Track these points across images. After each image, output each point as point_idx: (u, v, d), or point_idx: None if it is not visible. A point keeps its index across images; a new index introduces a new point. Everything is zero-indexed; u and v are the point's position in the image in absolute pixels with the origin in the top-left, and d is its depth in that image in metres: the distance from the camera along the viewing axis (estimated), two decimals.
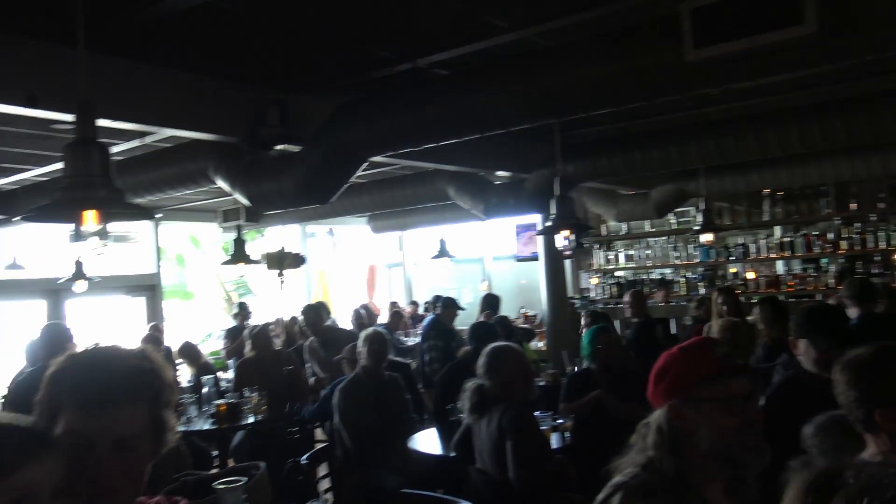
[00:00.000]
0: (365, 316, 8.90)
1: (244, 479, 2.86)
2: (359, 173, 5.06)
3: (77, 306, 9.61)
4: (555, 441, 4.46)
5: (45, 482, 1.02)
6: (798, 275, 9.14)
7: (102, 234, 2.30)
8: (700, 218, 7.34)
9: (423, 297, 12.39)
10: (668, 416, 1.66)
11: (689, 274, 10.06)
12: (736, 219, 9.70)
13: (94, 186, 2.19)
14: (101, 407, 1.24)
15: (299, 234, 12.74)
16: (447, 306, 7.54)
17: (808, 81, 5.06)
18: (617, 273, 10.73)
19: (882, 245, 8.48)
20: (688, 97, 5.30)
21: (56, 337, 4.47)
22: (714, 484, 1.62)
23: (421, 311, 11.03)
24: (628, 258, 10.57)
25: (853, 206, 8.75)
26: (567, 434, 4.48)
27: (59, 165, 6.09)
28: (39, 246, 11.30)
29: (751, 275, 9.46)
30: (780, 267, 9.60)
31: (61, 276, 8.04)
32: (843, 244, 8.70)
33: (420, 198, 8.02)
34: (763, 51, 2.93)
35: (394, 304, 11.41)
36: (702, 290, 9.52)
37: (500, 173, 7.23)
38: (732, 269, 9.78)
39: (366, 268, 14.70)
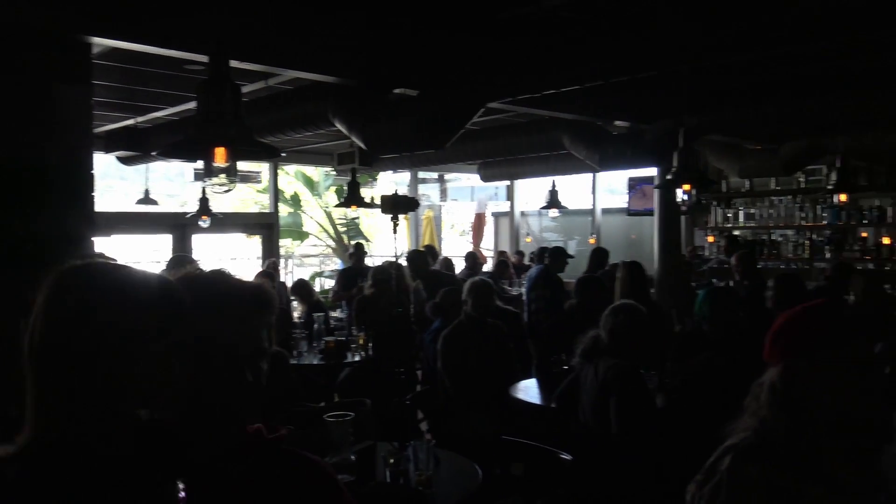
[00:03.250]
0: (470, 263, 8.98)
1: (352, 414, 2.97)
2: (473, 119, 5.01)
3: (201, 241, 10.20)
4: (660, 401, 4.37)
5: None
6: None
7: (231, 172, 2.39)
8: (833, 176, 6.83)
9: (529, 247, 12.33)
10: (784, 375, 1.58)
11: (814, 236, 9.47)
12: (874, 180, 8.98)
13: (225, 124, 2.26)
14: (249, 317, 1.26)
15: (410, 179, 12.90)
16: (556, 255, 7.52)
17: None
18: (735, 232, 10.24)
19: None
20: (829, 47, 4.88)
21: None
22: (831, 453, 1.53)
23: (526, 261, 10.99)
24: (748, 217, 10.05)
25: None
26: (673, 394, 4.37)
27: (191, 105, 6.36)
28: (168, 183, 11.99)
29: (885, 241, 8.79)
30: None
31: (188, 212, 8.52)
32: None
33: (533, 146, 7.89)
34: None
35: (502, 254, 11.41)
36: (827, 255, 8.97)
37: (618, 123, 6.98)
38: (864, 234, 9.11)
39: (473, 215, 14.75)
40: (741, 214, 10.11)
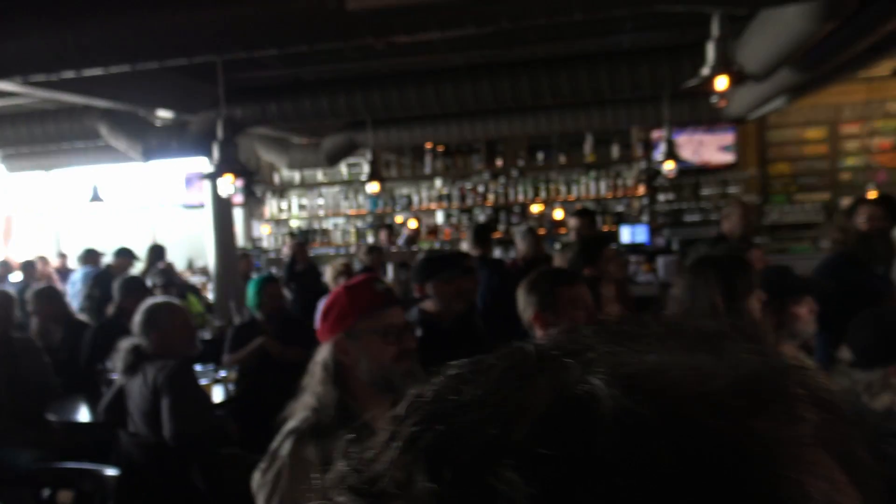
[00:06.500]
0: None
1: None
2: None
3: None
4: (219, 394, 4.36)
5: None
6: (454, 224, 10.03)
7: None
8: (368, 168, 7.62)
9: (77, 248, 11.08)
10: (333, 350, 1.73)
11: (359, 223, 10.45)
12: (401, 171, 10.27)
13: None
14: None
15: None
16: (121, 255, 7.06)
17: (463, 43, 5.46)
18: (292, 222, 10.71)
19: (521, 198, 9.68)
20: (355, 49, 5.39)
21: None
22: (378, 410, 1.65)
23: (72, 263, 9.86)
24: (301, 207, 10.61)
25: (499, 162, 9.82)
26: (231, 386, 4.39)
27: None
28: None
29: (413, 223, 10.13)
30: (439, 217, 10.43)
31: None
32: (491, 196, 9.75)
33: (65, 136, 7.07)
34: (417, 7, 3.06)
35: (42, 259, 10.00)
36: (370, 239, 9.96)
37: (161, 113, 6.66)
38: (399, 219, 10.37)
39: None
40: (294, 205, 10.61)
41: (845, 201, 6.69)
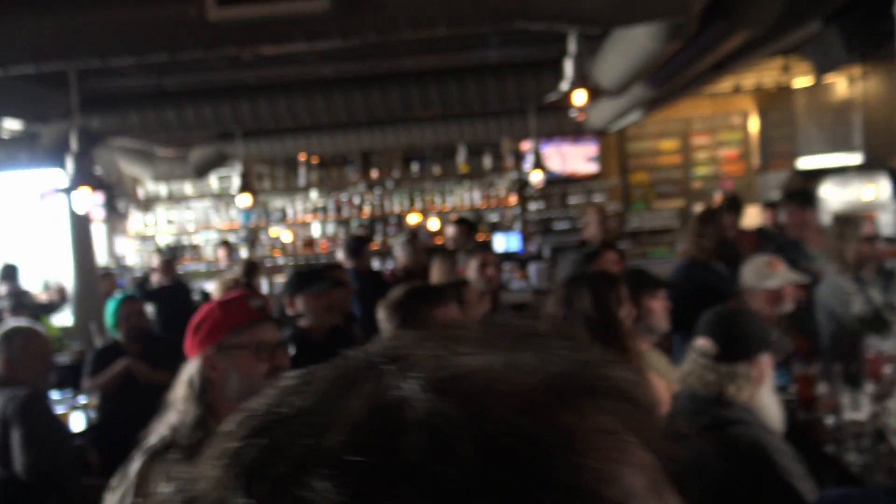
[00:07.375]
0: None
1: None
2: None
3: None
4: (80, 422, 4.11)
5: None
6: (330, 236, 9.93)
7: None
8: (239, 181, 7.42)
9: None
10: (201, 366, 1.69)
11: (231, 237, 10.11)
12: (275, 183, 10.07)
13: None
14: None
15: None
16: None
17: (333, 56, 5.44)
18: (159, 238, 10.21)
19: (397, 208, 9.74)
20: (222, 58, 5.25)
21: None
22: None
23: None
24: (169, 222, 10.15)
25: (374, 173, 9.83)
26: (92, 412, 4.15)
27: None
28: None
29: (288, 236, 9.94)
30: (315, 229, 10.28)
31: None
32: (367, 208, 9.74)
33: None
34: (282, 19, 3.04)
35: None
36: (243, 253, 9.67)
37: (7, 123, 6.21)
38: (274, 233, 10.12)
39: None
40: (161, 219, 10.14)
41: (697, 207, 7.20)
